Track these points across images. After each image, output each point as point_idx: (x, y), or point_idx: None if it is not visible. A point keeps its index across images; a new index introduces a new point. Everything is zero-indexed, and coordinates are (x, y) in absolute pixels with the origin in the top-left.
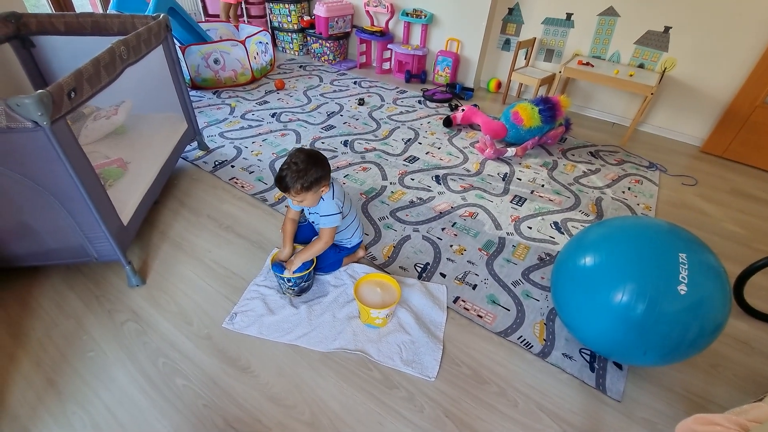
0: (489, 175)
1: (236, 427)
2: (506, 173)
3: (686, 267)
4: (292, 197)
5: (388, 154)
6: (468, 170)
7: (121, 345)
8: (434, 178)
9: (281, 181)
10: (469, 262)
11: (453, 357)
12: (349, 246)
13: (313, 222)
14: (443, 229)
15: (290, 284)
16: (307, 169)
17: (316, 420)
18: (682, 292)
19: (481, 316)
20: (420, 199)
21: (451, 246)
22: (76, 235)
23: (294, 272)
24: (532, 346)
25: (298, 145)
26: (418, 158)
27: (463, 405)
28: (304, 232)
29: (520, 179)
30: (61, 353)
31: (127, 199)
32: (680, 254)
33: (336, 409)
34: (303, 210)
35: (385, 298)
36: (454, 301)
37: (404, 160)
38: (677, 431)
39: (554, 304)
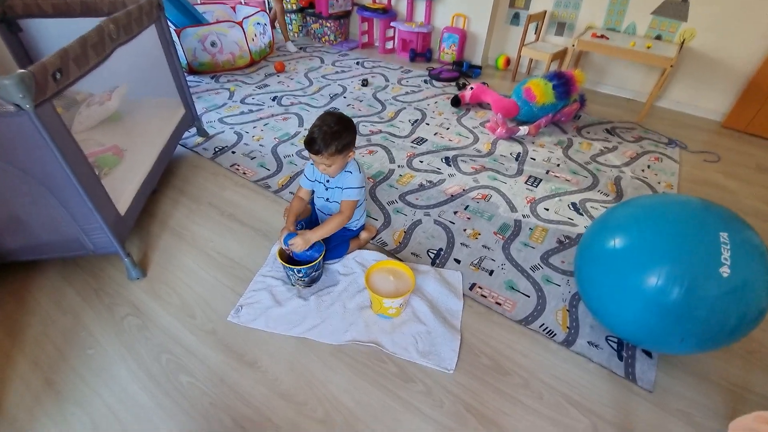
0: (501, 155)
1: (245, 427)
2: (519, 153)
3: (729, 247)
4: (323, 161)
5: (394, 136)
6: (479, 151)
7: (122, 341)
8: (444, 160)
9: (313, 143)
10: (484, 246)
11: (472, 347)
12: (354, 228)
13: (327, 200)
14: (455, 213)
15: (300, 275)
16: (340, 131)
17: (329, 417)
18: (725, 275)
19: (499, 304)
20: (430, 182)
21: (465, 230)
22: (71, 227)
23: (300, 259)
24: (555, 334)
25: (301, 129)
26: (427, 140)
27: (484, 398)
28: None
29: (534, 159)
30: (59, 351)
31: (123, 188)
32: (721, 233)
33: (350, 405)
34: (313, 191)
35: (398, 287)
36: (471, 288)
37: (412, 142)
38: (732, 429)
39: (579, 289)
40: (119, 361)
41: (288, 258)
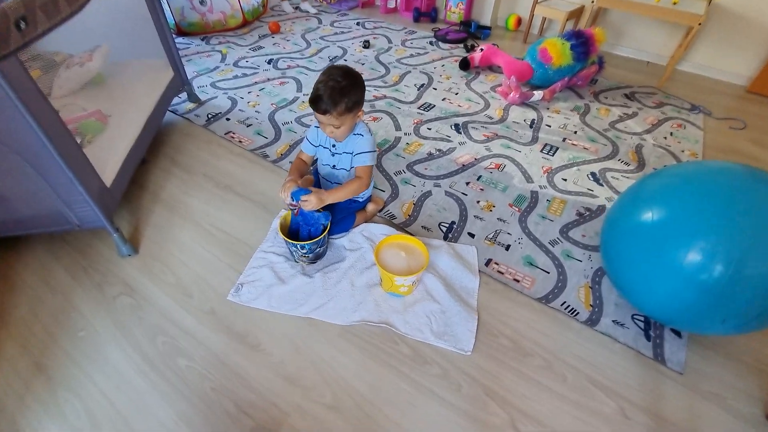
0: (514, 122)
1: (250, 413)
2: (534, 119)
3: None
4: (331, 122)
5: (400, 101)
6: (490, 117)
7: (115, 322)
8: (453, 127)
9: (319, 102)
10: (499, 219)
11: (489, 327)
12: (361, 200)
13: (333, 167)
14: (468, 184)
15: (304, 251)
16: (349, 86)
17: (339, 402)
18: None
19: (517, 280)
20: (439, 150)
21: (478, 202)
22: (52, 200)
23: (308, 221)
24: (578, 312)
25: (300, 95)
26: (434, 105)
27: (504, 381)
28: (300, 233)
29: (550, 126)
30: (48, 333)
31: (108, 157)
32: None
33: (361, 389)
34: (317, 158)
35: (410, 263)
36: (486, 264)
37: (419, 108)
38: None
39: (605, 265)
40: (112, 344)
41: (289, 233)
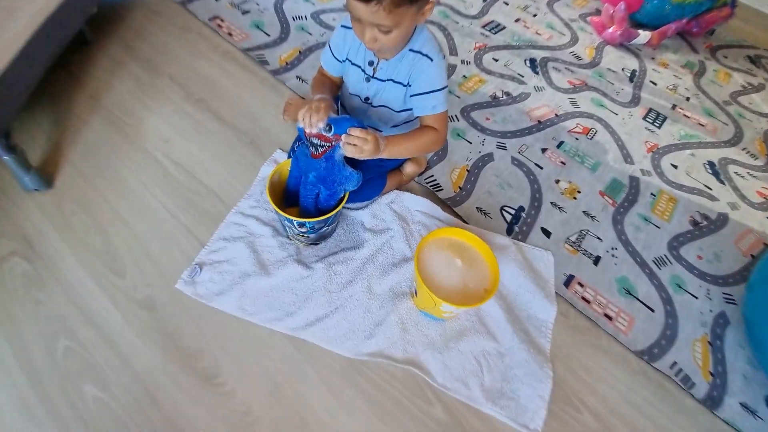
0: (609, 70)
1: None
2: (635, 71)
3: None
4: (378, 19)
5: (458, 13)
6: (579, 57)
7: None
8: (528, 63)
9: None
10: (585, 213)
11: (566, 390)
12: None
13: (367, 101)
14: (544, 151)
15: (303, 230)
16: None
17: None
18: None
19: (609, 317)
20: (507, 94)
21: (558, 182)
22: None
23: (335, 177)
24: (694, 384)
25: None
26: (504, 27)
27: None
28: (301, 196)
29: (656, 83)
30: None
31: (6, 24)
32: None
33: None
34: (345, 82)
35: (467, 281)
36: (566, 284)
37: (483, 27)
38: None
39: (747, 318)
40: None
41: (286, 191)
